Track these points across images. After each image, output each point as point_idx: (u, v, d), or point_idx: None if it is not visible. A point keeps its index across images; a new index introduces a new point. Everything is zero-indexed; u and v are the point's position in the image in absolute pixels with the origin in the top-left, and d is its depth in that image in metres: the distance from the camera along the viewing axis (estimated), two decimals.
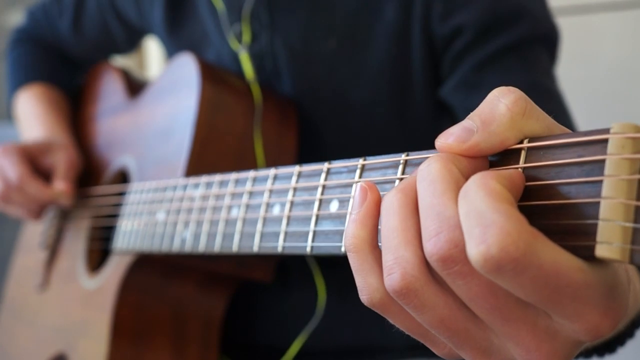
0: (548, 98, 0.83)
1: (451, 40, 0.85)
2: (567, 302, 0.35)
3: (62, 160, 1.05)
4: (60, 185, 1.02)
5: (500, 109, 0.40)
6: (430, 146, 0.44)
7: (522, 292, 0.36)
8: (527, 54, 0.84)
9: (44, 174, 1.05)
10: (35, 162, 1.05)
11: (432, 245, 0.37)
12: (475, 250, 0.34)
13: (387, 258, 0.40)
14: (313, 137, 0.94)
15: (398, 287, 0.39)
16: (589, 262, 0.36)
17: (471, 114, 0.41)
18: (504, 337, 0.39)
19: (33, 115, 1.17)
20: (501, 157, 0.41)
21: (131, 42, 1.22)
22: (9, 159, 1.01)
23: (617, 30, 1.42)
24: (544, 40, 0.86)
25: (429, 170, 0.39)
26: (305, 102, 0.93)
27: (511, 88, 0.40)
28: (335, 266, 0.94)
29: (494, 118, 0.39)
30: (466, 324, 0.40)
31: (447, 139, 0.40)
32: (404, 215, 0.40)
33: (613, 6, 1.42)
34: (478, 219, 0.35)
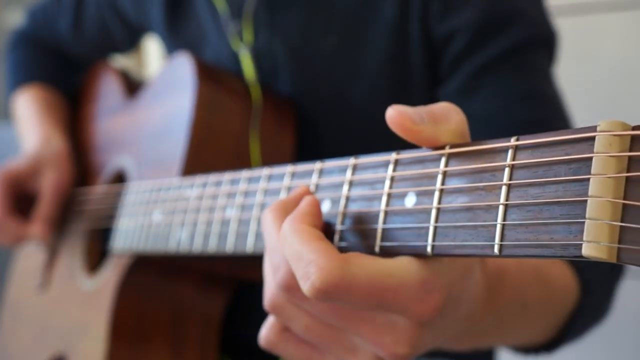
0: (545, 104, 0.82)
1: (447, 42, 0.84)
2: (391, 302, 0.43)
3: (48, 185, 1.06)
4: (35, 230, 1.04)
5: (450, 118, 0.46)
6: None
7: (357, 307, 0.44)
8: (525, 58, 0.84)
9: (31, 196, 1.07)
10: (22, 186, 1.07)
11: (277, 279, 0.47)
12: (305, 287, 0.43)
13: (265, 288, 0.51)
14: (312, 136, 0.93)
15: (267, 306, 0.50)
16: (400, 263, 0.44)
17: (422, 107, 0.46)
18: (357, 337, 0.47)
19: (30, 117, 1.17)
20: (489, 156, 0.41)
21: (131, 41, 1.23)
22: None
23: (617, 30, 1.42)
24: (542, 42, 0.86)
25: (264, 220, 0.51)
26: (303, 101, 0.93)
27: (459, 110, 0.47)
28: None
29: (443, 121, 0.46)
30: (327, 329, 0.48)
31: (399, 114, 0.46)
32: (268, 259, 0.50)
33: (613, 6, 1.41)
34: (298, 260, 0.43)
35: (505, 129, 0.79)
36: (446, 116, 0.46)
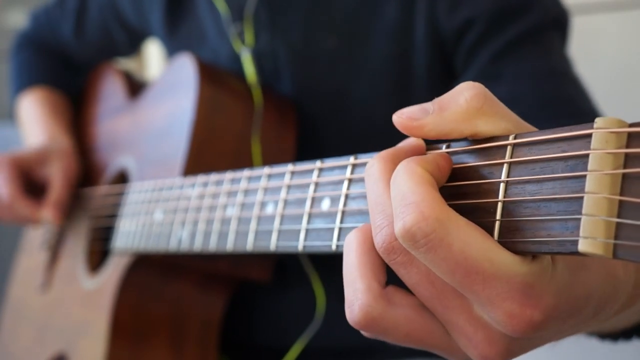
0: (567, 83, 0.83)
1: (462, 34, 0.84)
2: (478, 289, 0.38)
3: (58, 173, 1.06)
4: (48, 214, 1.03)
5: (459, 99, 0.41)
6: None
7: (438, 271, 0.38)
8: (542, 40, 0.84)
9: (39, 185, 1.07)
10: (30, 173, 1.06)
11: (378, 239, 0.42)
12: (397, 227, 0.38)
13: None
14: (313, 136, 0.94)
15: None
16: (512, 259, 0.37)
17: (435, 99, 0.42)
18: (448, 327, 0.42)
19: (35, 118, 1.18)
20: (487, 154, 0.41)
21: (133, 45, 1.23)
22: (2, 174, 1.03)
23: (617, 30, 1.42)
24: (556, 24, 0.86)
25: (371, 171, 0.43)
26: (305, 102, 0.93)
27: (476, 84, 0.42)
28: (334, 267, 0.93)
29: (449, 106, 0.41)
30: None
31: (402, 114, 0.43)
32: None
33: (613, 6, 1.41)
34: (401, 200, 0.38)
35: (536, 108, 0.79)
36: (453, 99, 0.41)
